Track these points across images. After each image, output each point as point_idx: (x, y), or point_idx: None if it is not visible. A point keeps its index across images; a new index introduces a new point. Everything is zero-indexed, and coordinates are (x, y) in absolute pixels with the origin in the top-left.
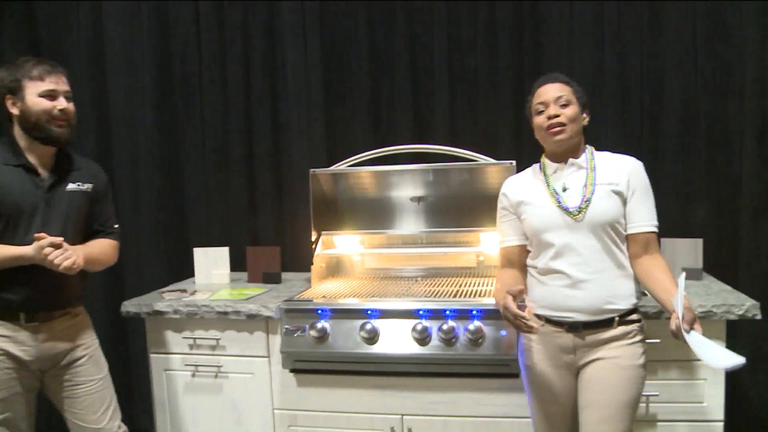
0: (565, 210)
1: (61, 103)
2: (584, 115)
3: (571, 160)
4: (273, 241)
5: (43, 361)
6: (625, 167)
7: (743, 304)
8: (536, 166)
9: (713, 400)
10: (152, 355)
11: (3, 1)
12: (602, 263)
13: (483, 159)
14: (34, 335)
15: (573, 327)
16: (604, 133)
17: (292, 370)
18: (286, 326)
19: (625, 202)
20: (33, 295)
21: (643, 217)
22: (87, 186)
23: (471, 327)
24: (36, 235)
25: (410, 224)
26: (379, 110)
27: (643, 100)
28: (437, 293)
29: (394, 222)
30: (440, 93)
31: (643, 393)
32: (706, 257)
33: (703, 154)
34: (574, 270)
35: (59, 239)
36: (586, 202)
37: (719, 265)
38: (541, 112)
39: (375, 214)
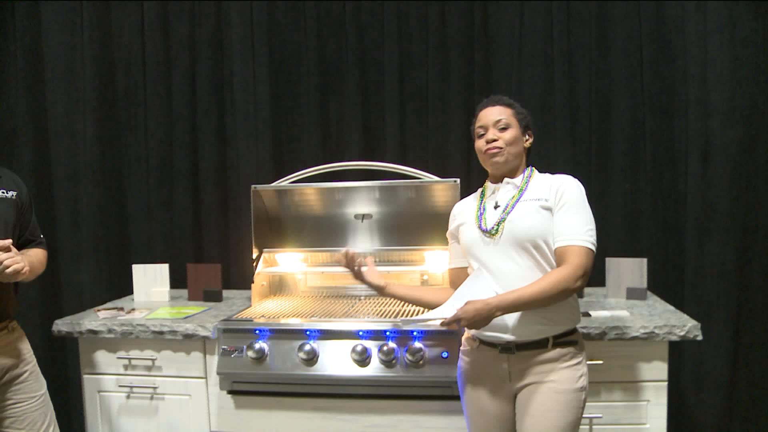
0: (482, 230)
1: None
2: (526, 137)
3: (506, 179)
4: (218, 258)
5: None
6: (555, 183)
7: (685, 325)
8: (480, 189)
9: (656, 421)
10: (85, 376)
11: None
12: (532, 280)
13: (428, 177)
14: None
15: (506, 348)
16: (553, 151)
17: (230, 392)
18: (224, 347)
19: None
20: None
21: (564, 231)
22: (11, 193)
23: (411, 348)
24: None
25: (355, 242)
26: (328, 126)
27: (591, 118)
28: (380, 313)
29: (338, 240)
30: (390, 109)
31: (587, 415)
32: (652, 276)
33: (650, 174)
34: (503, 288)
35: (8, 241)
36: (500, 221)
37: (664, 284)
38: (481, 136)
39: (320, 231)
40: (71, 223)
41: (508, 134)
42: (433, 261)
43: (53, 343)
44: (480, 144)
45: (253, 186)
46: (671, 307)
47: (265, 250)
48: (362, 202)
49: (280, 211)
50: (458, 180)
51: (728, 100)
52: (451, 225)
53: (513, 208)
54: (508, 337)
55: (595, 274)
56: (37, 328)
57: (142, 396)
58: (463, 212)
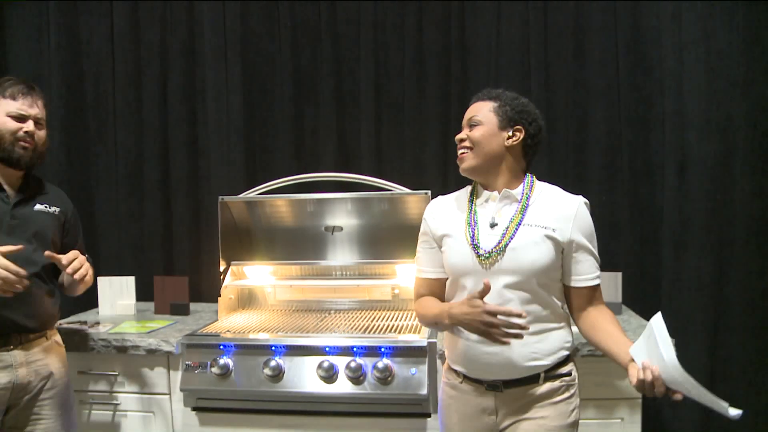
0: (477, 254)
1: (29, 126)
2: (509, 133)
3: (505, 190)
4: (189, 271)
5: (16, 390)
6: (568, 211)
7: None
8: (467, 189)
9: None
10: None
11: None
12: (527, 315)
13: (399, 189)
14: (7, 359)
15: (493, 386)
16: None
17: (195, 408)
18: (187, 362)
19: (562, 250)
20: (4, 315)
21: (588, 269)
22: (54, 209)
23: (380, 365)
24: (47, 254)
25: (325, 255)
26: (302, 136)
27: (568, 130)
28: (349, 328)
29: (309, 252)
30: (366, 120)
31: None
32: (628, 290)
33: (626, 186)
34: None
35: (75, 253)
36: (501, 248)
37: (641, 298)
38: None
39: (290, 243)
40: None
41: (478, 131)
42: (404, 275)
43: None
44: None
45: (220, 197)
46: (646, 322)
47: (233, 262)
48: (333, 214)
49: (249, 223)
50: (429, 192)
51: (704, 112)
52: (428, 227)
53: (515, 233)
54: (496, 376)
55: None
56: None
57: (104, 412)
58: (447, 219)
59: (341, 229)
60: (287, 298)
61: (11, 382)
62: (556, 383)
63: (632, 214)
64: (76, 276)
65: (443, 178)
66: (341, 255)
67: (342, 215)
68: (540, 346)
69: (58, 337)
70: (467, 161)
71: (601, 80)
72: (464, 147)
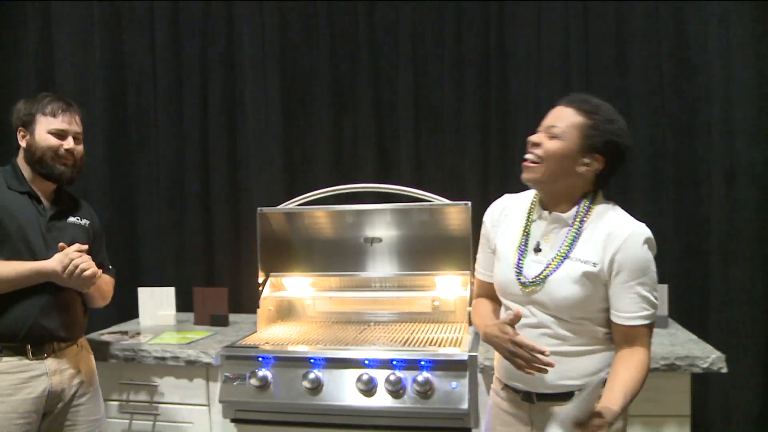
0: (519, 281)
1: (69, 143)
2: (587, 159)
3: (555, 214)
4: (229, 282)
5: (50, 398)
6: (615, 241)
7: (708, 357)
8: (531, 195)
9: None
10: None
11: None
12: (560, 338)
13: (438, 199)
14: (42, 367)
15: (527, 397)
16: None
17: (234, 420)
18: (226, 374)
19: (604, 284)
20: (39, 324)
21: (626, 307)
22: (85, 221)
23: (420, 378)
24: (60, 245)
25: (365, 266)
26: (341, 146)
27: None
28: (388, 340)
29: (348, 264)
30: (405, 129)
31: None
32: (674, 303)
33: (672, 195)
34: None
35: (84, 246)
36: (540, 279)
37: (688, 312)
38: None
39: (329, 255)
40: None
41: (554, 145)
42: (444, 287)
43: None
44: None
45: (259, 209)
46: (694, 337)
47: (272, 274)
48: (373, 225)
49: (289, 234)
50: (470, 203)
51: (754, 118)
52: (489, 232)
53: (558, 266)
54: (528, 388)
55: None
56: None
57: (145, 422)
58: (503, 229)
59: (380, 240)
60: (326, 310)
61: (46, 389)
62: None
63: (678, 224)
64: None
65: (483, 187)
66: (380, 266)
67: (381, 226)
68: (574, 365)
69: (86, 344)
70: (531, 173)
71: (644, 87)
72: (533, 154)
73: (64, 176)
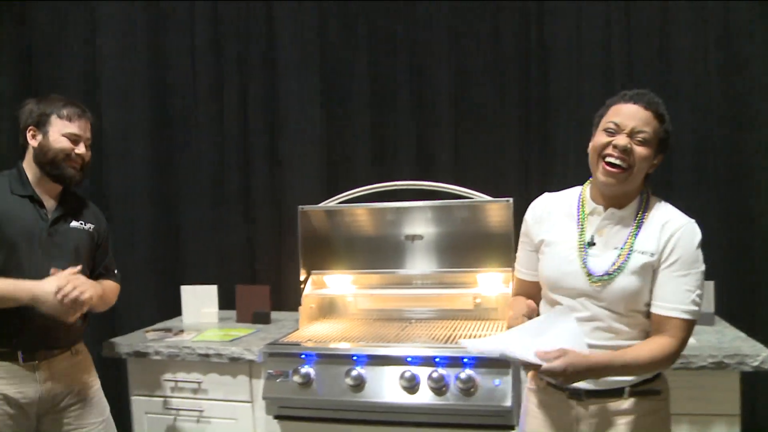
0: (589, 273)
1: (81, 148)
2: (656, 161)
3: (612, 210)
4: (270, 280)
5: (42, 404)
6: (668, 231)
7: (758, 355)
8: (578, 191)
9: None
10: (133, 398)
11: None
12: (613, 332)
13: (480, 196)
14: (32, 375)
15: (575, 394)
16: None
17: (277, 417)
18: (269, 371)
19: (653, 271)
20: (31, 331)
21: (667, 297)
22: (89, 226)
23: (462, 375)
24: (52, 270)
25: (406, 263)
26: (381, 144)
27: None
28: (430, 338)
29: (389, 261)
30: (444, 126)
31: None
32: (720, 300)
33: (717, 190)
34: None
35: (77, 268)
36: (616, 270)
37: (734, 308)
38: (611, 133)
39: (370, 252)
40: (125, 244)
41: (644, 152)
42: (486, 284)
43: (106, 361)
44: (602, 142)
45: (300, 207)
46: (742, 334)
47: (313, 271)
48: (413, 223)
49: (330, 232)
50: (511, 199)
51: None
52: (531, 230)
53: (627, 259)
54: (578, 384)
55: None
56: (92, 347)
57: (189, 419)
58: (551, 224)
59: (421, 237)
60: (368, 307)
61: (37, 395)
62: (643, 400)
63: (723, 219)
64: (66, 301)
65: (524, 183)
66: (421, 264)
67: (422, 223)
68: None
69: (83, 348)
70: (621, 184)
71: (689, 80)
72: (623, 160)
73: (73, 179)
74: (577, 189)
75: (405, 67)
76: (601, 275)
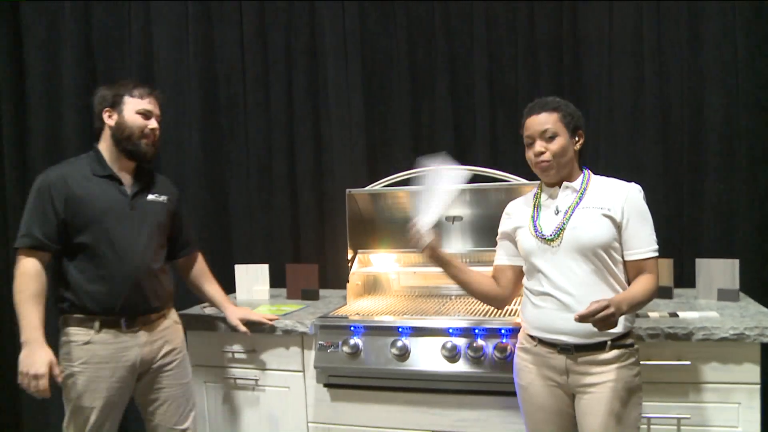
0: (540, 237)
1: (153, 123)
2: (576, 138)
3: (565, 183)
4: (315, 259)
5: (142, 365)
6: (620, 192)
7: None
8: (533, 191)
9: (749, 425)
10: (194, 368)
11: (62, 33)
12: (593, 286)
13: (515, 179)
14: (134, 339)
15: (565, 349)
16: (644, 151)
17: (326, 385)
18: (320, 342)
19: (618, 227)
20: (131, 299)
21: (638, 245)
22: (164, 197)
23: (500, 345)
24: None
25: (446, 243)
26: (419, 129)
27: (683, 117)
28: (470, 311)
29: None
30: (481, 111)
31: (674, 416)
32: (748, 279)
33: (744, 173)
34: (563, 293)
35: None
36: (561, 228)
37: (763, 287)
38: (529, 145)
39: None
40: None
41: (555, 145)
42: None
43: None
44: (529, 155)
45: (347, 190)
46: (765, 309)
47: (359, 250)
48: (453, 205)
49: (373, 213)
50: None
51: None
52: (505, 225)
53: (572, 214)
54: (570, 339)
55: (685, 275)
56: None
57: (245, 387)
58: (518, 214)
59: (461, 218)
60: (410, 284)
61: (138, 357)
62: (621, 351)
63: (751, 201)
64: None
65: None
66: (460, 243)
67: (461, 205)
68: None
69: (176, 316)
70: (553, 175)
71: (718, 65)
72: (545, 160)
73: (147, 154)
74: (533, 190)
75: (442, 54)
76: (551, 234)
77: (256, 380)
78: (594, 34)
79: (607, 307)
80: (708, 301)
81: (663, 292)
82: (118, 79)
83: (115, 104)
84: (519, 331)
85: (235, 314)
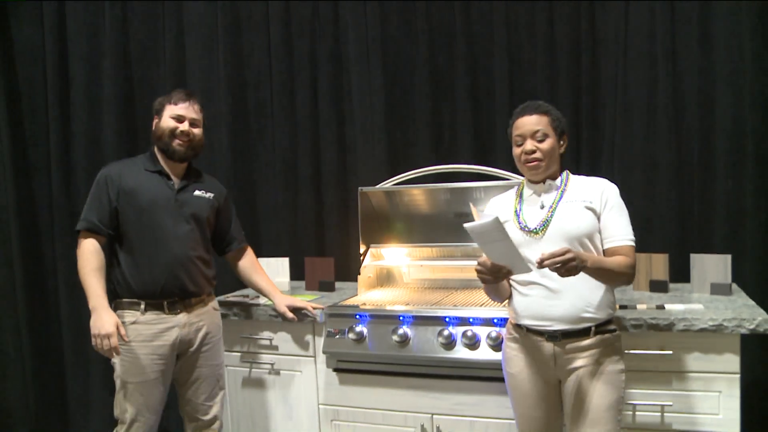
0: (525, 230)
1: (185, 125)
2: (561, 142)
3: (549, 181)
4: (337, 253)
5: (181, 345)
6: (598, 187)
7: (755, 318)
8: (515, 189)
9: (729, 412)
10: None
11: (102, 45)
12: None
13: (515, 177)
14: (175, 320)
15: (552, 336)
16: (658, 150)
17: (335, 369)
18: (329, 329)
19: (598, 218)
20: (173, 284)
21: (614, 233)
22: (209, 195)
23: (492, 333)
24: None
25: (455, 238)
26: (440, 131)
27: (694, 115)
28: (469, 302)
29: (440, 236)
30: (501, 114)
31: (656, 403)
32: (755, 276)
33: (752, 171)
34: (549, 280)
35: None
36: (546, 221)
37: (762, 280)
38: (519, 144)
39: (423, 228)
40: None
41: (546, 145)
42: None
43: None
44: (517, 152)
45: (360, 188)
46: (752, 302)
47: (372, 245)
48: (460, 202)
49: (387, 210)
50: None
51: None
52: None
53: (556, 208)
54: (557, 325)
55: (681, 270)
56: None
57: (262, 371)
58: (502, 209)
59: (468, 215)
60: (420, 277)
61: (178, 338)
62: (605, 336)
63: (758, 199)
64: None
65: (575, 164)
66: (468, 238)
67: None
68: (591, 300)
69: (215, 303)
70: (542, 173)
71: (727, 66)
72: (535, 159)
73: (177, 154)
74: (513, 189)
75: (462, 58)
76: (536, 228)
77: (272, 364)
78: (610, 36)
79: (568, 251)
80: (701, 295)
81: (658, 286)
82: (145, 92)
83: (159, 111)
84: None
85: (283, 302)
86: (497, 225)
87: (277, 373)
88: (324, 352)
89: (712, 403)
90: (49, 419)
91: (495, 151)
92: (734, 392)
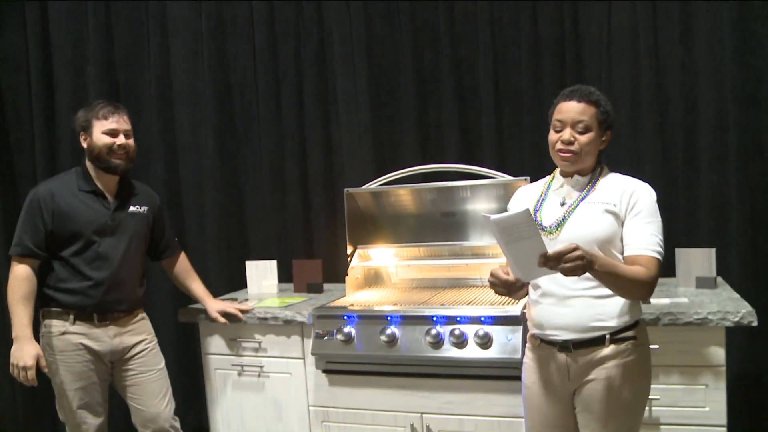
0: (540, 227)
1: (120, 139)
2: (604, 137)
3: (576, 176)
4: (325, 255)
5: (113, 354)
6: (628, 189)
7: (739, 311)
8: (546, 178)
9: (715, 405)
10: (205, 356)
11: (86, 51)
12: (590, 281)
13: (500, 176)
14: (105, 332)
15: (564, 347)
16: (642, 146)
17: (324, 371)
18: (317, 331)
19: (621, 223)
20: (103, 300)
21: (636, 241)
22: (143, 209)
23: (480, 332)
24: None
25: (442, 238)
26: (427, 131)
27: (678, 111)
28: (456, 301)
29: (427, 235)
30: (486, 112)
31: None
32: (739, 268)
33: (735, 165)
34: (559, 287)
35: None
36: (562, 220)
37: (754, 276)
38: (558, 130)
39: (410, 228)
40: (197, 226)
41: (586, 138)
42: None
43: (185, 328)
44: (554, 138)
45: (346, 189)
46: (736, 296)
47: (359, 246)
48: (452, 202)
49: (373, 210)
50: (528, 178)
51: None
52: (512, 208)
53: (576, 208)
54: (566, 335)
55: (667, 265)
56: (171, 316)
57: (251, 374)
58: (527, 199)
59: (454, 214)
60: (408, 277)
61: (109, 346)
62: (621, 346)
63: (741, 192)
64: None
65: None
66: (456, 237)
67: (455, 202)
68: (604, 309)
69: (143, 314)
70: (573, 166)
71: (709, 61)
72: (570, 151)
73: (119, 168)
74: (549, 176)
75: (447, 58)
76: (551, 225)
77: (261, 367)
78: (593, 33)
79: (576, 249)
80: (686, 289)
81: None
82: (128, 97)
83: (86, 128)
84: (498, 318)
85: (214, 307)
86: (527, 218)
87: (267, 375)
88: (313, 354)
89: (698, 396)
90: (38, 427)
91: (481, 149)
92: (720, 385)
